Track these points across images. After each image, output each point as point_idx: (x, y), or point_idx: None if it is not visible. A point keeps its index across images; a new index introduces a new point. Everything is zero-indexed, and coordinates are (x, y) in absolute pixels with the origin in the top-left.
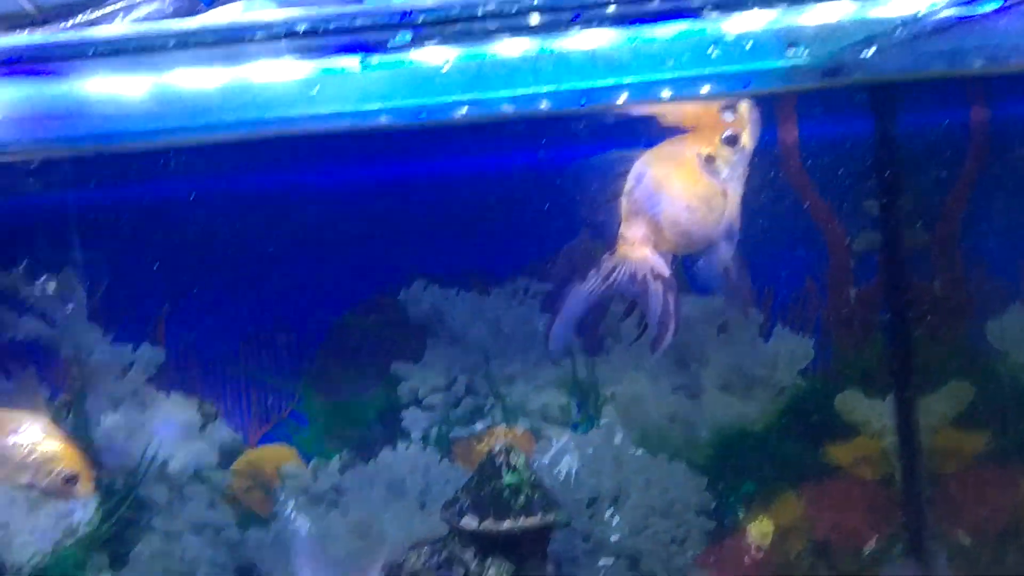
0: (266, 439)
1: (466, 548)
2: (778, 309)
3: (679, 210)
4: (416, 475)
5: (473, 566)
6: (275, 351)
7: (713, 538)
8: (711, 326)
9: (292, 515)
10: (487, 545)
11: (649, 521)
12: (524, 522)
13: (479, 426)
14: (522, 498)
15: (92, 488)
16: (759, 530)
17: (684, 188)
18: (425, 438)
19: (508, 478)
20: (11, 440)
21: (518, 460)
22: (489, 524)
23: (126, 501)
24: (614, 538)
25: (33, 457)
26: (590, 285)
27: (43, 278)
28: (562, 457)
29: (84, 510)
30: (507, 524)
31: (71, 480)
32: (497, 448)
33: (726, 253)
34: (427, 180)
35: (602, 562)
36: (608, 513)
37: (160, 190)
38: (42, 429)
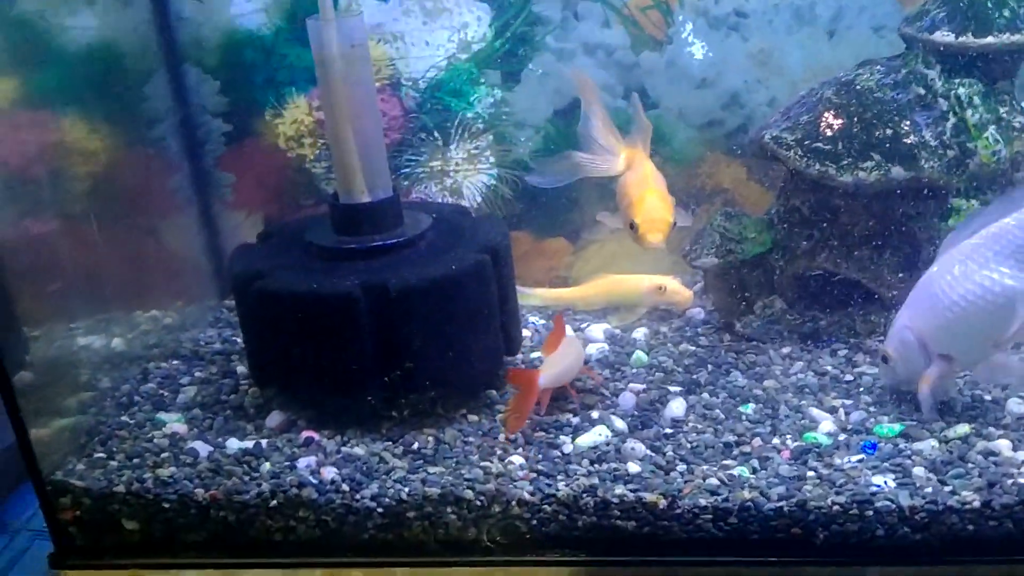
0: None
1: (931, 66)
2: None
3: None
4: None
5: (938, 85)
6: None
7: None
8: None
9: (689, 39)
10: (958, 63)
11: None
12: (1009, 39)
13: None
14: (1007, 11)
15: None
16: None
17: None
18: None
19: None
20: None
21: None
22: (967, 39)
23: (520, 16)
24: None
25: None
26: None
27: None
28: None
29: (479, 25)
30: (989, 40)
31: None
32: None
33: None
34: None
35: None
36: None
37: None
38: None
